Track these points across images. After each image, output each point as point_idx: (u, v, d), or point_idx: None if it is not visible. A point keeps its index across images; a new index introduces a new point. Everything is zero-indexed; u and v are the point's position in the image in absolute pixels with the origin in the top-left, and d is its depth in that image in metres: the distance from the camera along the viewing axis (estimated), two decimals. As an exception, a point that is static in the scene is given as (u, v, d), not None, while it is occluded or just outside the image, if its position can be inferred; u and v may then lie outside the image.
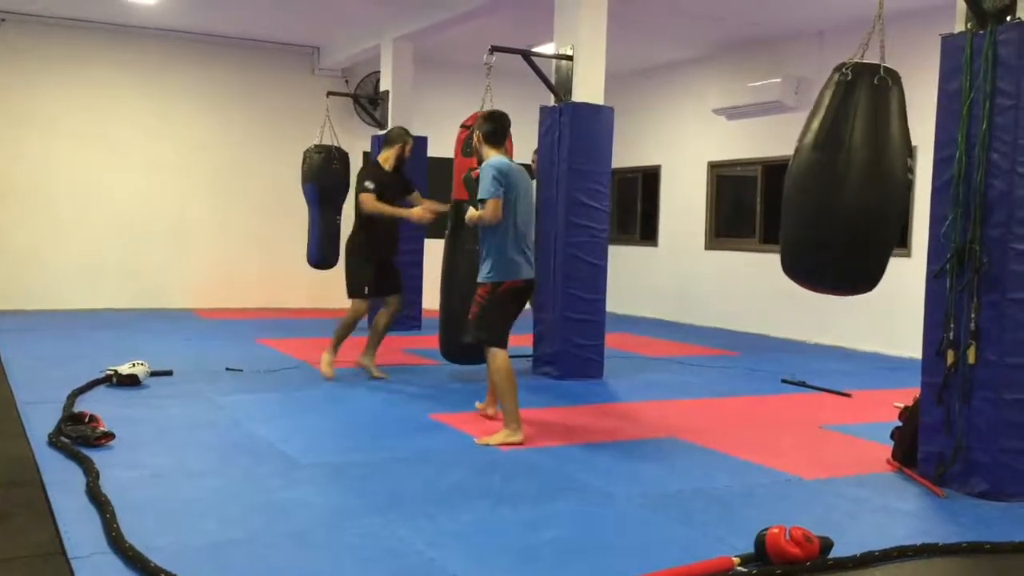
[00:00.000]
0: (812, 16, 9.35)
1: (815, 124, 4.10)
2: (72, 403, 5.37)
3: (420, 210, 6.58)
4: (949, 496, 4.14)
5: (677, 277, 11.87)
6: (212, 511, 3.64)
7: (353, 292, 6.85)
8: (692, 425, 5.58)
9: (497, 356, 4.97)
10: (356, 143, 11.40)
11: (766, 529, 3.22)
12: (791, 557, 3.14)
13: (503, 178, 4.93)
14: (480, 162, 5.18)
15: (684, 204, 11.82)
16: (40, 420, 4.94)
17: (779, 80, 9.80)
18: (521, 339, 6.51)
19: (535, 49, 7.84)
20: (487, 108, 6.30)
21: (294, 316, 11.00)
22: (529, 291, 5.20)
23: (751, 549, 3.22)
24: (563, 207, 6.99)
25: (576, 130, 6.99)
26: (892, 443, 4.72)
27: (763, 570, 3.13)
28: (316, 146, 8.83)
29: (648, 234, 12.59)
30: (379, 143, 10.00)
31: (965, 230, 4.14)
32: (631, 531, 3.61)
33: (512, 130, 5.45)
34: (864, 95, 3.99)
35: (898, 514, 3.93)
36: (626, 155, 12.13)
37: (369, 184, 6.68)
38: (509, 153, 5.87)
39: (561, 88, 7.19)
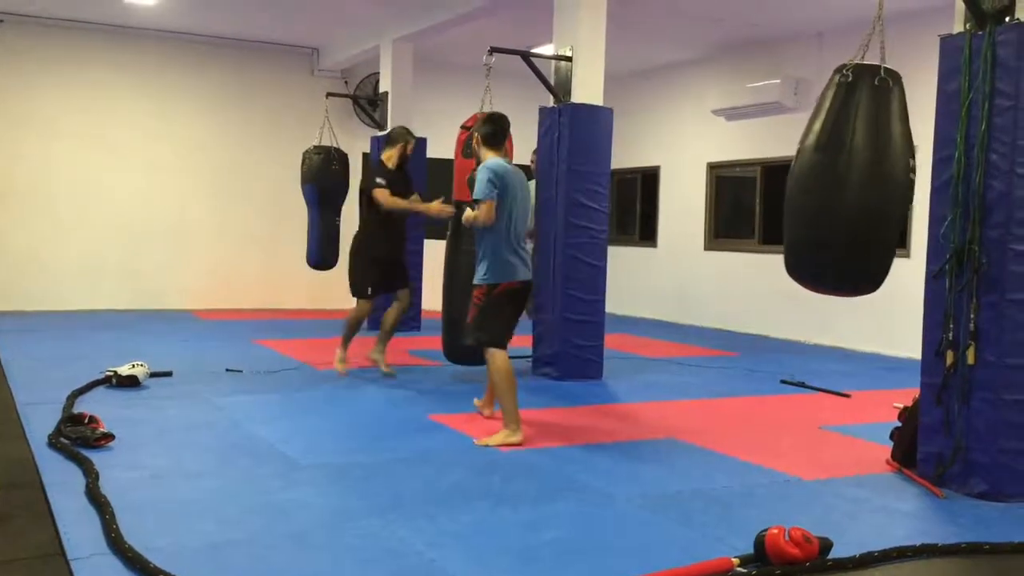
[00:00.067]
0: (811, 17, 9.36)
1: (816, 125, 4.10)
2: (72, 404, 5.37)
3: (438, 204, 6.59)
4: (948, 497, 4.14)
5: (676, 278, 11.88)
6: (211, 512, 3.64)
7: (356, 292, 6.94)
8: (691, 426, 5.58)
9: (496, 357, 4.98)
10: (355, 144, 11.41)
11: (765, 530, 3.22)
12: (790, 558, 3.14)
13: (498, 180, 4.95)
14: (479, 164, 5.19)
15: (683, 205, 11.83)
16: (40, 421, 4.94)
17: (778, 81, 9.80)
18: (521, 340, 6.53)
19: (534, 50, 7.84)
20: (487, 109, 6.34)
21: (293, 317, 11.00)
22: (526, 293, 5.22)
23: (750, 550, 3.22)
24: (562, 208, 7.00)
25: (575, 131, 6.99)
26: (891, 443, 4.72)
27: (762, 571, 3.13)
28: (315, 147, 8.82)
29: (647, 235, 12.60)
30: (379, 144, 10.03)
31: (964, 231, 4.14)
32: (631, 532, 3.61)
33: (512, 131, 5.46)
34: (865, 96, 3.99)
35: (897, 515, 3.94)
36: (625, 156, 12.13)
37: (380, 180, 6.75)
38: (509, 154, 5.89)
39: (560, 89, 7.19)
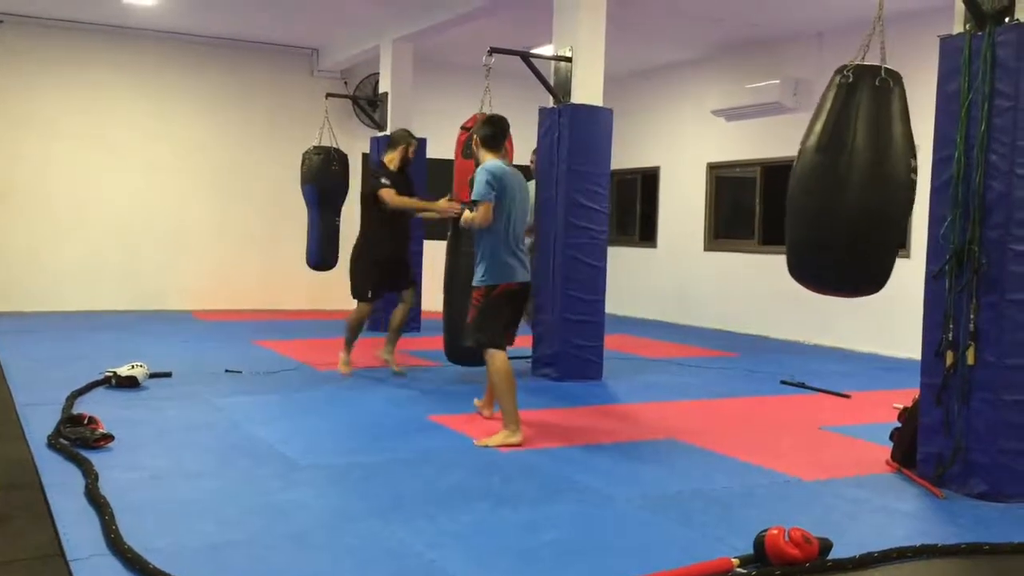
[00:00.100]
0: (811, 17, 9.36)
1: (817, 126, 4.09)
2: (71, 405, 5.37)
3: (445, 201, 6.59)
4: (948, 497, 4.14)
5: (676, 278, 11.88)
6: (211, 513, 3.64)
7: (356, 295, 7.00)
8: (691, 426, 5.58)
9: (495, 357, 4.99)
10: (355, 144, 11.41)
11: (765, 530, 3.22)
12: (790, 558, 3.14)
13: (496, 182, 4.98)
14: (478, 165, 5.21)
15: (683, 205, 11.83)
16: (39, 422, 4.94)
17: (778, 81, 9.80)
18: (520, 340, 6.51)
19: (534, 51, 7.85)
20: (486, 110, 6.36)
21: (293, 318, 11.00)
22: (525, 294, 5.25)
23: (750, 550, 3.22)
24: (562, 208, 6.99)
25: (575, 131, 6.99)
26: (891, 444, 4.72)
27: (762, 571, 3.13)
28: (315, 147, 8.82)
29: (647, 235, 12.60)
30: (378, 144, 10.05)
31: (964, 231, 4.14)
32: (631, 532, 3.61)
33: (512, 131, 5.47)
34: (866, 97, 3.99)
35: (897, 515, 3.93)
36: (625, 156, 12.13)
37: (385, 181, 6.80)
38: (510, 155, 5.90)
39: (560, 89, 7.19)
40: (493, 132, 5.22)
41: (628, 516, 3.79)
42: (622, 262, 11.96)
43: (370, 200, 6.95)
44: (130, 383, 6.12)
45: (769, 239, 10.57)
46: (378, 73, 10.67)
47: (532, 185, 7.07)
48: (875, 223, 4.05)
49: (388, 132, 10.02)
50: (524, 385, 6.65)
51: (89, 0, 9.69)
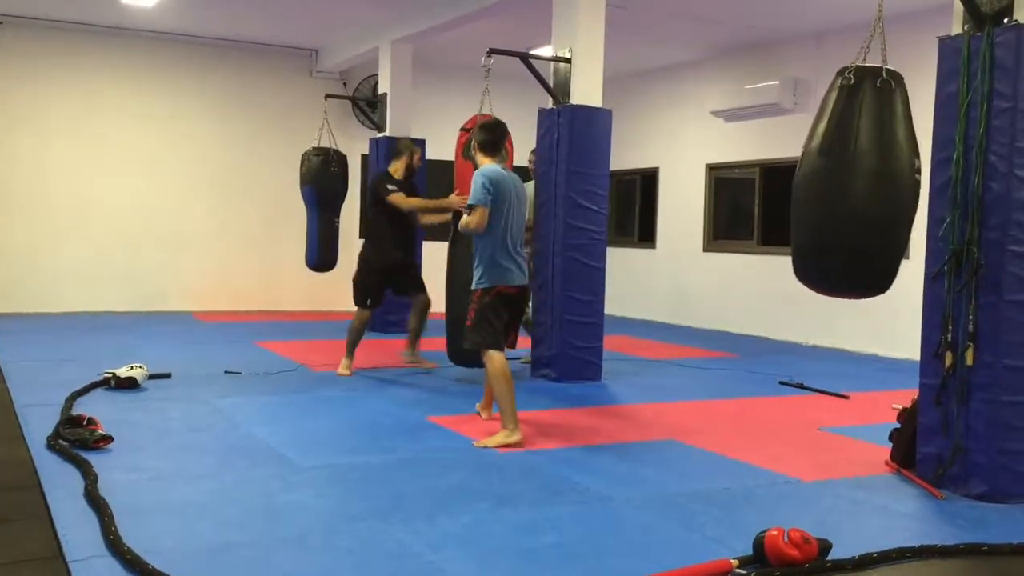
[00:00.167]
0: (809, 18, 9.36)
1: (820, 129, 4.09)
2: (70, 406, 5.37)
3: (455, 196, 6.62)
4: (947, 498, 4.14)
5: (675, 279, 11.88)
6: (211, 514, 3.64)
7: (356, 301, 7.10)
8: (691, 427, 5.58)
9: (493, 358, 5.01)
10: (354, 146, 11.41)
11: (765, 531, 3.22)
12: (790, 559, 3.14)
13: (492, 186, 5.01)
14: (476, 169, 5.25)
15: (682, 206, 11.83)
16: (38, 423, 4.94)
17: (777, 82, 9.81)
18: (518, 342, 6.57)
19: (533, 52, 7.85)
20: (486, 111, 6.36)
21: (292, 319, 10.99)
22: (523, 297, 5.28)
23: (750, 551, 3.22)
24: (561, 209, 7.00)
25: (574, 132, 6.99)
26: (890, 445, 4.72)
27: (762, 572, 3.13)
28: (314, 149, 8.82)
29: (646, 236, 12.60)
30: (377, 145, 10.06)
31: (963, 232, 4.14)
32: (630, 533, 3.61)
33: (511, 132, 5.48)
34: (868, 98, 3.99)
35: (897, 516, 3.94)
36: (624, 157, 12.13)
37: (392, 187, 6.93)
38: (509, 155, 5.91)
39: (559, 90, 7.19)
40: (490, 138, 5.25)
41: (628, 517, 3.79)
42: (621, 263, 11.96)
43: (376, 208, 7.05)
44: (129, 384, 6.12)
45: (768, 240, 10.58)
46: (377, 74, 10.67)
47: (531, 186, 7.08)
48: (880, 225, 4.04)
49: (388, 133, 10.05)
50: (523, 386, 6.66)
51: (88, 1, 9.69)
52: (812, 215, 4.16)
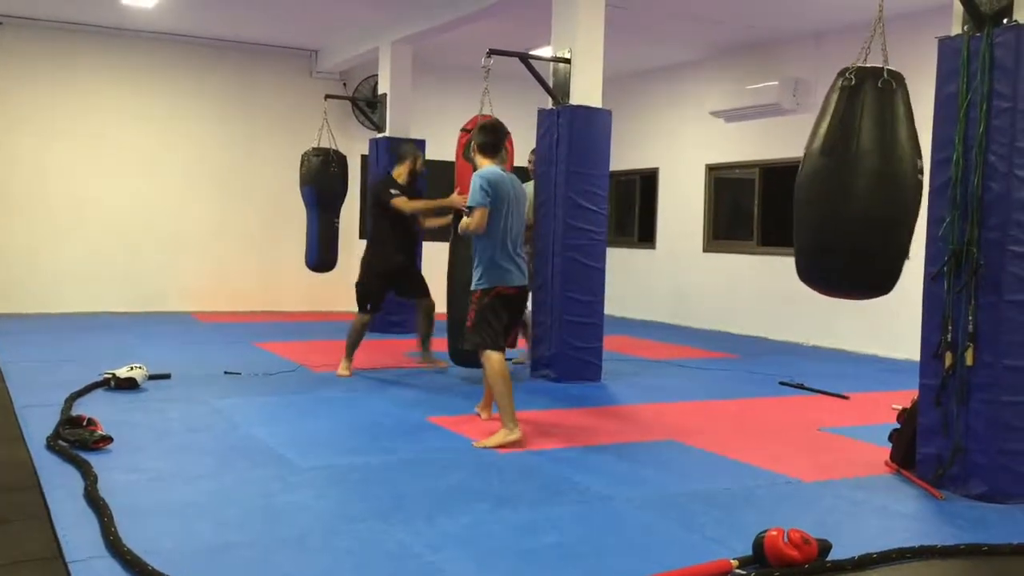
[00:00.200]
0: (809, 19, 9.36)
1: (822, 129, 4.08)
2: (70, 407, 5.36)
3: (456, 195, 6.65)
4: (947, 498, 4.14)
5: (675, 280, 11.88)
6: (210, 514, 3.64)
7: (359, 306, 7.14)
8: (691, 427, 5.58)
9: (491, 358, 5.03)
10: (354, 146, 11.41)
11: (764, 531, 3.22)
12: (789, 559, 3.14)
13: (490, 188, 5.04)
14: (476, 171, 5.28)
15: (682, 206, 11.83)
16: (38, 424, 4.94)
17: (776, 83, 9.81)
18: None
19: (533, 52, 7.85)
20: (486, 111, 6.37)
21: (292, 319, 10.99)
22: (522, 298, 5.30)
23: (750, 551, 3.22)
24: (561, 210, 6.99)
25: (574, 133, 6.99)
26: (890, 445, 4.72)
27: (761, 573, 3.13)
28: (314, 149, 8.82)
29: (646, 237, 12.60)
30: (377, 146, 10.06)
31: (962, 232, 4.14)
32: (630, 533, 3.61)
33: (511, 133, 5.49)
34: (869, 99, 3.98)
35: (896, 516, 3.94)
36: (624, 158, 12.13)
37: (394, 191, 6.99)
38: (510, 156, 5.91)
39: (559, 91, 7.19)
40: (489, 140, 5.28)
41: (628, 517, 3.79)
42: (621, 263, 11.96)
43: (377, 212, 7.10)
44: (129, 385, 6.12)
45: (768, 240, 10.58)
46: (377, 75, 10.67)
47: (530, 186, 7.09)
48: (882, 225, 4.03)
49: (387, 134, 10.05)
50: (523, 386, 6.67)
51: (88, 2, 9.69)
52: (814, 215, 4.16)
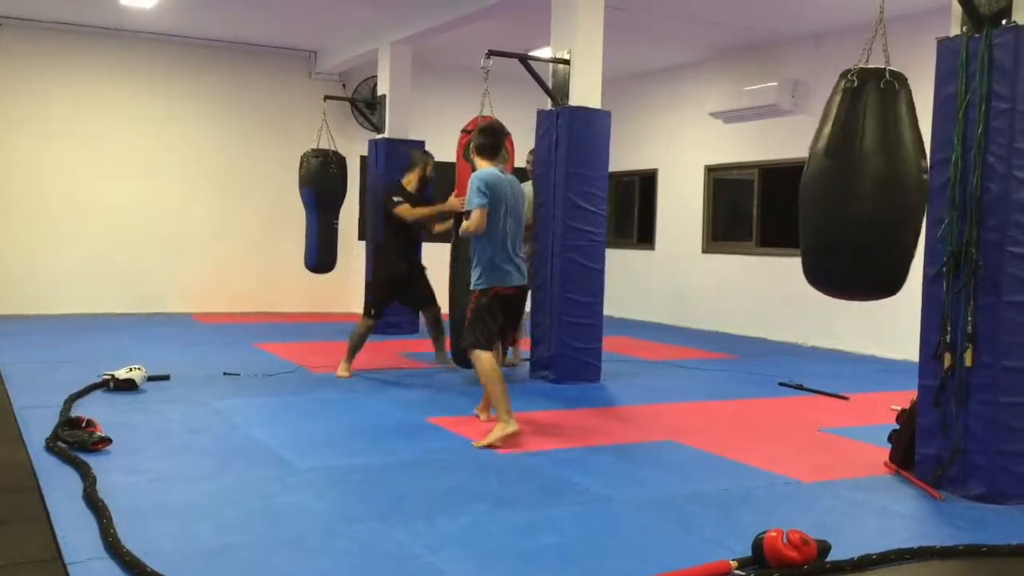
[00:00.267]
0: (808, 20, 9.37)
1: (826, 131, 4.08)
2: (69, 408, 5.36)
3: (453, 198, 6.67)
4: (946, 499, 4.14)
5: (674, 280, 11.88)
6: (210, 516, 3.63)
7: (364, 310, 7.21)
8: (690, 428, 5.58)
9: (481, 357, 5.10)
10: (353, 147, 11.42)
11: (764, 532, 3.22)
12: (789, 560, 3.14)
13: (488, 189, 5.08)
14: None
15: (681, 207, 11.83)
16: (37, 425, 4.93)
17: (775, 84, 9.81)
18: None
19: (532, 53, 7.85)
20: (485, 112, 6.38)
21: (291, 320, 10.99)
22: (521, 298, 5.33)
23: (749, 552, 3.22)
24: (560, 211, 7.00)
25: (573, 134, 6.99)
26: (889, 446, 4.72)
27: (760, 574, 3.13)
28: (313, 150, 8.82)
29: (645, 237, 12.60)
30: (376, 147, 10.05)
31: (961, 233, 4.14)
32: (629, 534, 3.61)
33: (510, 133, 5.50)
34: (872, 99, 3.98)
35: (896, 517, 3.94)
36: (623, 159, 12.14)
37: (397, 198, 7.07)
38: (511, 157, 5.92)
39: (558, 92, 7.20)
40: (488, 142, 5.32)
41: (627, 518, 3.79)
42: (620, 264, 11.96)
43: (381, 218, 7.21)
44: (128, 386, 6.12)
45: (767, 241, 10.58)
46: (376, 75, 10.67)
47: (528, 186, 7.09)
48: (886, 226, 4.03)
49: (387, 135, 10.05)
50: (522, 387, 6.68)
51: (87, 3, 9.69)
52: (819, 216, 4.16)
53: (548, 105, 7.30)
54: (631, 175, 12.76)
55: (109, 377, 6.14)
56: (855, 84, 4.01)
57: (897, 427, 4.69)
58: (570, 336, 7.02)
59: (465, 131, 6.75)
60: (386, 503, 3.85)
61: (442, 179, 9.13)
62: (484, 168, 5.22)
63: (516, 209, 5.24)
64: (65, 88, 10.77)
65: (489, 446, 4.85)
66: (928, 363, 4.30)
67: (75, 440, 4.54)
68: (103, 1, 9.55)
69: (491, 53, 6.81)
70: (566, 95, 7.12)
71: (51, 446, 4.51)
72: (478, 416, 5.60)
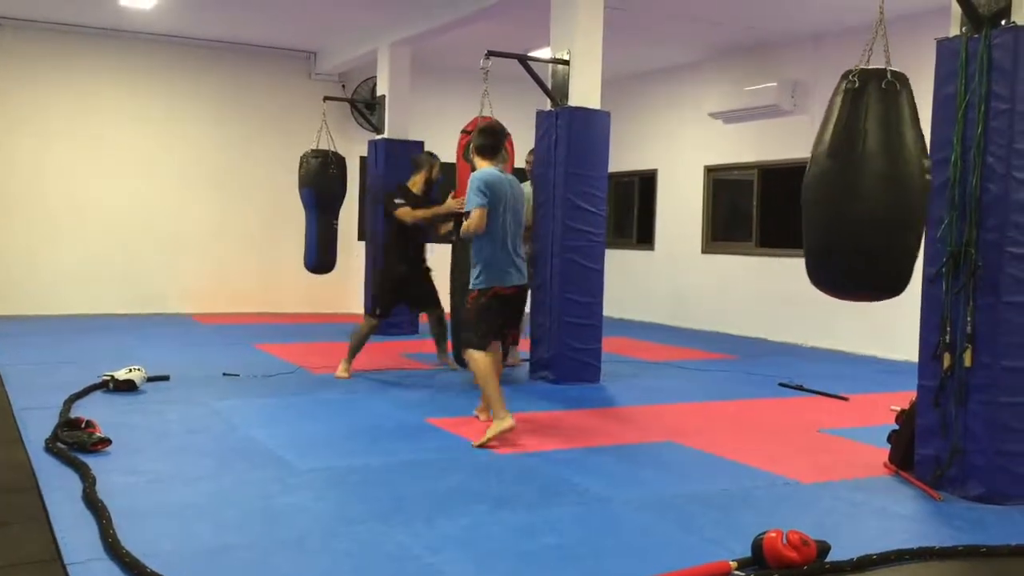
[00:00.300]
0: (807, 20, 9.37)
1: (828, 132, 4.07)
2: (68, 409, 5.36)
3: (451, 199, 6.70)
4: (946, 499, 4.14)
5: (674, 281, 11.88)
6: (209, 516, 3.63)
7: (368, 310, 7.30)
8: (690, 429, 5.58)
9: (474, 356, 5.13)
10: (353, 148, 11.42)
11: (763, 533, 3.22)
12: (788, 561, 3.14)
13: (487, 189, 5.10)
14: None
15: (681, 208, 11.83)
16: (37, 426, 4.93)
17: (775, 84, 9.81)
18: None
19: (532, 54, 7.85)
20: (485, 113, 6.38)
21: (291, 321, 10.99)
22: (521, 298, 5.34)
23: (748, 553, 3.22)
24: (560, 211, 7.00)
25: (573, 134, 7.00)
26: (889, 446, 4.72)
27: (760, 574, 3.13)
28: (313, 151, 8.82)
29: (645, 238, 12.60)
30: (375, 148, 10.06)
31: (961, 233, 4.15)
32: (629, 535, 3.61)
33: (510, 134, 5.51)
34: (873, 100, 3.98)
35: (895, 517, 3.94)
36: (623, 159, 12.13)
37: (399, 200, 7.07)
38: (511, 157, 5.92)
39: (558, 92, 7.20)
40: (488, 143, 5.34)
41: (626, 518, 3.79)
42: (620, 265, 11.96)
43: (384, 220, 7.28)
44: (128, 387, 6.12)
45: (767, 242, 10.58)
46: (376, 76, 10.67)
47: (527, 186, 7.09)
48: (888, 227, 4.02)
49: (386, 136, 10.05)
50: (522, 388, 6.68)
51: (87, 3, 9.70)
52: (821, 217, 4.15)
53: (547, 106, 7.30)
54: (631, 175, 12.76)
55: (109, 378, 6.14)
56: (856, 85, 4.00)
57: (896, 428, 4.69)
58: (570, 337, 7.02)
59: (465, 132, 6.76)
60: (386, 504, 3.85)
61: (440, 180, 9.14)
62: (484, 168, 5.24)
63: (516, 209, 5.26)
64: (65, 88, 10.78)
65: (487, 444, 4.86)
66: (927, 363, 4.30)
67: (75, 441, 4.54)
68: (103, 2, 9.55)
69: (491, 54, 6.82)
70: (565, 96, 7.12)
71: (51, 447, 4.51)
72: (478, 417, 5.60)
